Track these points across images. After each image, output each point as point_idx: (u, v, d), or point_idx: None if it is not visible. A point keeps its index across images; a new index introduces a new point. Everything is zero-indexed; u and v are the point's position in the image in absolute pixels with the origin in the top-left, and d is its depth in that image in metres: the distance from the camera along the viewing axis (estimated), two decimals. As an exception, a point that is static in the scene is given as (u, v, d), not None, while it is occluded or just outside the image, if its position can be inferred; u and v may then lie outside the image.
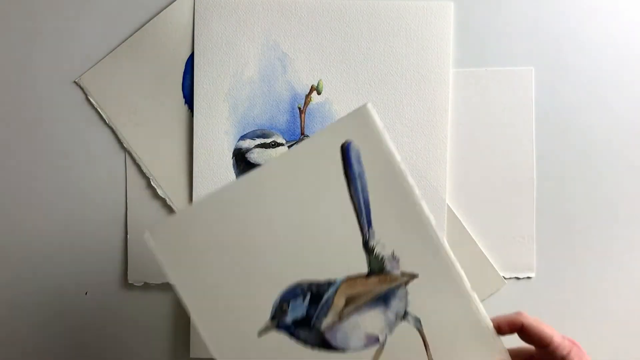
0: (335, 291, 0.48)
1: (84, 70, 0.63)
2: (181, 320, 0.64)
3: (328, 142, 0.47)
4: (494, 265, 0.62)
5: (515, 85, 0.62)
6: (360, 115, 0.47)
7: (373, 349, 0.48)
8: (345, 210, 0.48)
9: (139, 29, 0.62)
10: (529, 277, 0.63)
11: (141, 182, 0.63)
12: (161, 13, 0.62)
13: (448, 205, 0.62)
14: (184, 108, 0.63)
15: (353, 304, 0.48)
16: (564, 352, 0.46)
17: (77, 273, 0.64)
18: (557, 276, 0.63)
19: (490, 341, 0.48)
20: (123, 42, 0.63)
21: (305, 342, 0.48)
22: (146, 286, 0.64)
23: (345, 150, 0.47)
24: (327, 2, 0.62)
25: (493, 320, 0.49)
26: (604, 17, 0.63)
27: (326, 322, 0.48)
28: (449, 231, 0.62)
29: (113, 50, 0.63)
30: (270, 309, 0.47)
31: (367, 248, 0.48)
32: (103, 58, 0.63)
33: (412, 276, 0.48)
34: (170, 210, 0.63)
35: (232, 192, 0.48)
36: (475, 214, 0.62)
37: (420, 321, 0.48)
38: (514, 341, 0.50)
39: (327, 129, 0.48)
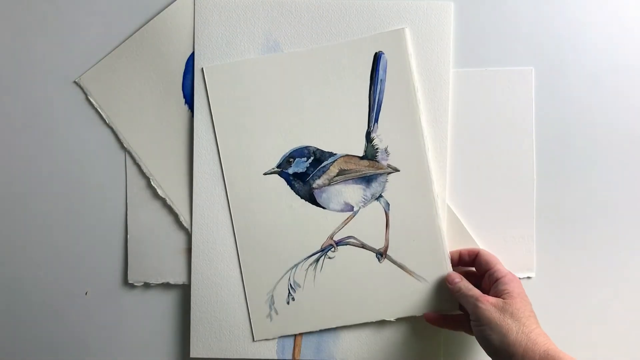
0: (334, 162, 0.61)
1: (84, 70, 0.63)
2: (181, 320, 0.64)
3: (365, 47, 0.60)
4: (494, 265, 0.62)
5: (515, 85, 0.62)
6: (398, 35, 0.60)
7: (346, 215, 0.61)
8: (361, 103, 0.60)
9: (139, 29, 0.62)
10: (529, 277, 0.63)
11: (141, 182, 0.63)
12: (161, 13, 0.62)
13: (448, 205, 0.62)
14: (184, 108, 0.63)
15: (343, 175, 0.61)
16: (500, 275, 0.55)
17: (77, 273, 0.64)
18: (557, 276, 0.63)
19: (438, 241, 0.60)
20: (123, 42, 0.63)
21: (297, 192, 0.61)
22: (146, 286, 0.64)
23: (377, 58, 0.60)
24: (327, 2, 0.62)
25: (456, 252, 0.60)
26: (604, 17, 0.63)
27: (318, 182, 0.61)
28: (449, 231, 0.62)
29: (113, 50, 0.63)
30: (279, 158, 0.61)
31: (368, 137, 0.61)
32: (103, 58, 0.63)
33: (395, 170, 0.61)
34: (170, 210, 0.63)
35: (279, 60, 0.61)
36: (475, 214, 0.62)
37: (389, 205, 0.61)
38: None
39: (369, 37, 0.60)
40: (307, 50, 0.61)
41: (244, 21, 0.62)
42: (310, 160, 0.61)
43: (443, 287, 0.60)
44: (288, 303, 0.61)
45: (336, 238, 0.61)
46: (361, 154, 0.61)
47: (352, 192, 0.61)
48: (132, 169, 0.63)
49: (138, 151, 0.63)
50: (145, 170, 0.63)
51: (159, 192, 0.63)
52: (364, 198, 0.61)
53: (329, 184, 0.61)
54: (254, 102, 0.61)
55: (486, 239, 0.62)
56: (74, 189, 0.64)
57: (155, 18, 0.62)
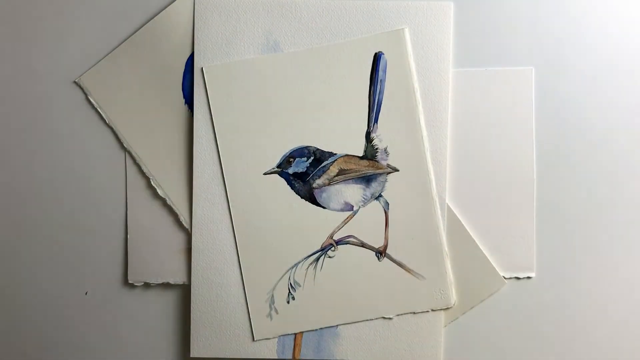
0: (333, 162, 0.61)
1: (84, 70, 0.63)
2: (181, 320, 0.64)
3: (365, 47, 0.60)
4: (494, 265, 0.62)
5: (515, 85, 0.62)
6: (397, 35, 0.60)
7: (346, 214, 0.61)
8: (361, 103, 0.61)
9: (139, 29, 0.62)
10: (529, 277, 0.63)
11: (141, 182, 0.63)
12: (161, 13, 0.62)
13: (448, 205, 0.62)
14: (184, 108, 0.63)
15: (343, 175, 0.61)
16: None
17: (77, 273, 0.64)
18: (557, 276, 0.63)
19: (437, 239, 0.61)
20: (123, 42, 0.63)
21: (298, 192, 0.61)
22: (146, 286, 0.64)
23: (376, 58, 0.60)
24: (327, 2, 0.62)
25: None
26: (604, 17, 0.62)
27: (318, 182, 0.61)
28: (449, 231, 0.62)
29: (113, 50, 0.63)
30: (279, 158, 0.61)
31: (368, 137, 0.61)
32: (103, 58, 0.63)
33: (395, 170, 0.61)
34: (170, 210, 0.63)
35: (279, 60, 0.61)
36: (475, 214, 0.62)
37: (388, 205, 0.61)
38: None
39: (369, 37, 0.60)
40: (307, 50, 0.61)
41: (244, 21, 0.62)
42: (310, 160, 0.61)
43: (440, 284, 0.61)
44: (288, 302, 0.62)
45: (336, 237, 0.61)
46: (361, 154, 0.61)
47: (352, 192, 0.61)
48: (132, 169, 0.63)
49: (138, 151, 0.63)
50: (145, 170, 0.63)
51: (159, 192, 0.63)
52: (363, 198, 0.61)
53: (329, 184, 0.61)
54: (254, 102, 0.61)
55: (486, 239, 0.62)
56: (74, 189, 0.64)
57: (155, 18, 0.62)
